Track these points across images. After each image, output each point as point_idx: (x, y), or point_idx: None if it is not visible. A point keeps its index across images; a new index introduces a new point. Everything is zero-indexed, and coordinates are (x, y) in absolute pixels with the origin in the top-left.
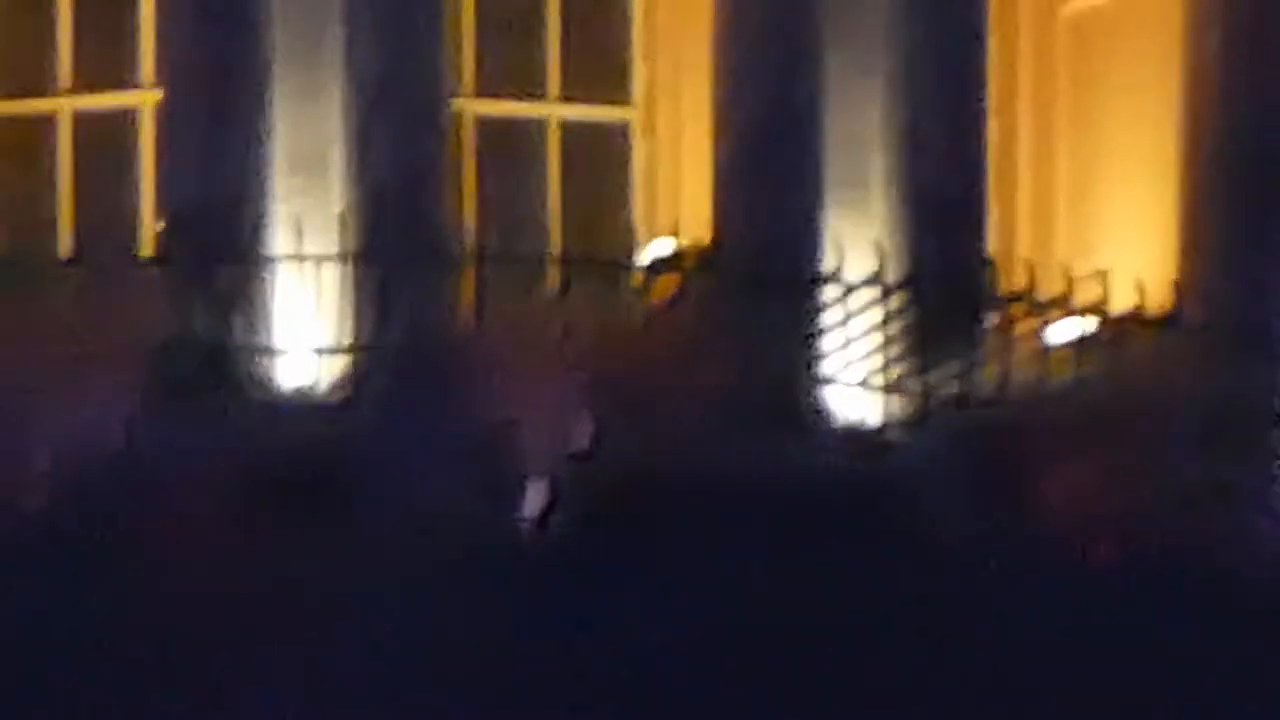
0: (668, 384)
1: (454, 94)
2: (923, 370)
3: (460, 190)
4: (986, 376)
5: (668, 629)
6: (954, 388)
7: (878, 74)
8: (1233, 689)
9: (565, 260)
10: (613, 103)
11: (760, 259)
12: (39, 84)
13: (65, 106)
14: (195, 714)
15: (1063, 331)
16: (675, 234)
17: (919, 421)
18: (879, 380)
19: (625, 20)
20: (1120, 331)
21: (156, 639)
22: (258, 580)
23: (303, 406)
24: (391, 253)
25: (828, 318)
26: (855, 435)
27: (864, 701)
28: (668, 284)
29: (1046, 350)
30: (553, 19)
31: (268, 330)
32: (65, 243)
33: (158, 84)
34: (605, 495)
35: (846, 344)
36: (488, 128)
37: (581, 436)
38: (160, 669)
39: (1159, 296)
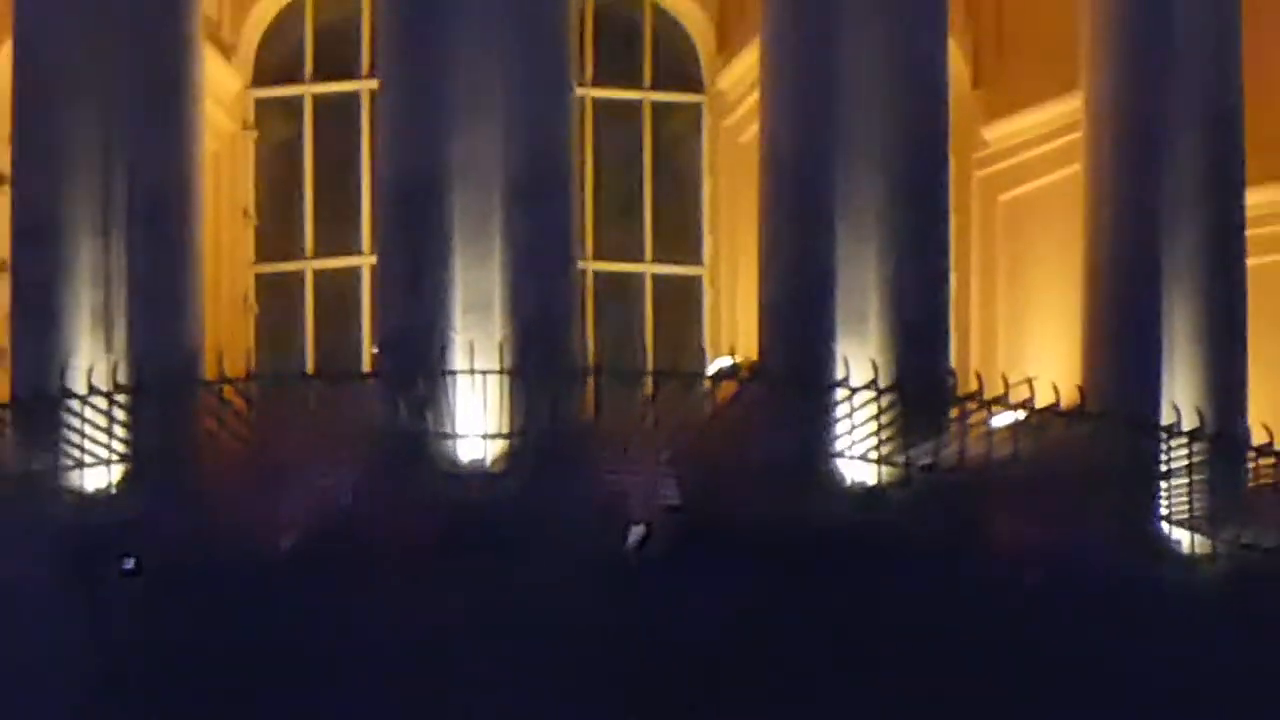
0: (728, 458)
1: (580, 257)
2: (905, 448)
3: (583, 324)
4: (949, 452)
5: (727, 619)
6: (926, 459)
7: (873, 242)
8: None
9: (656, 373)
10: (688, 263)
11: (792, 371)
12: (291, 250)
13: (309, 266)
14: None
15: (1001, 420)
16: (733, 353)
17: (903, 483)
18: (874, 454)
19: (697, 206)
20: (1042, 420)
21: (376, 642)
22: (446, 595)
23: (475, 475)
24: (535, 369)
25: (839, 411)
26: (858, 493)
27: (851, 690)
28: (728, 388)
29: (990, 433)
30: (648, 205)
31: (450, 422)
32: (310, 361)
33: (373, 250)
34: (685, 533)
35: (852, 429)
36: (603, 280)
37: (670, 495)
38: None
39: (1069, 396)
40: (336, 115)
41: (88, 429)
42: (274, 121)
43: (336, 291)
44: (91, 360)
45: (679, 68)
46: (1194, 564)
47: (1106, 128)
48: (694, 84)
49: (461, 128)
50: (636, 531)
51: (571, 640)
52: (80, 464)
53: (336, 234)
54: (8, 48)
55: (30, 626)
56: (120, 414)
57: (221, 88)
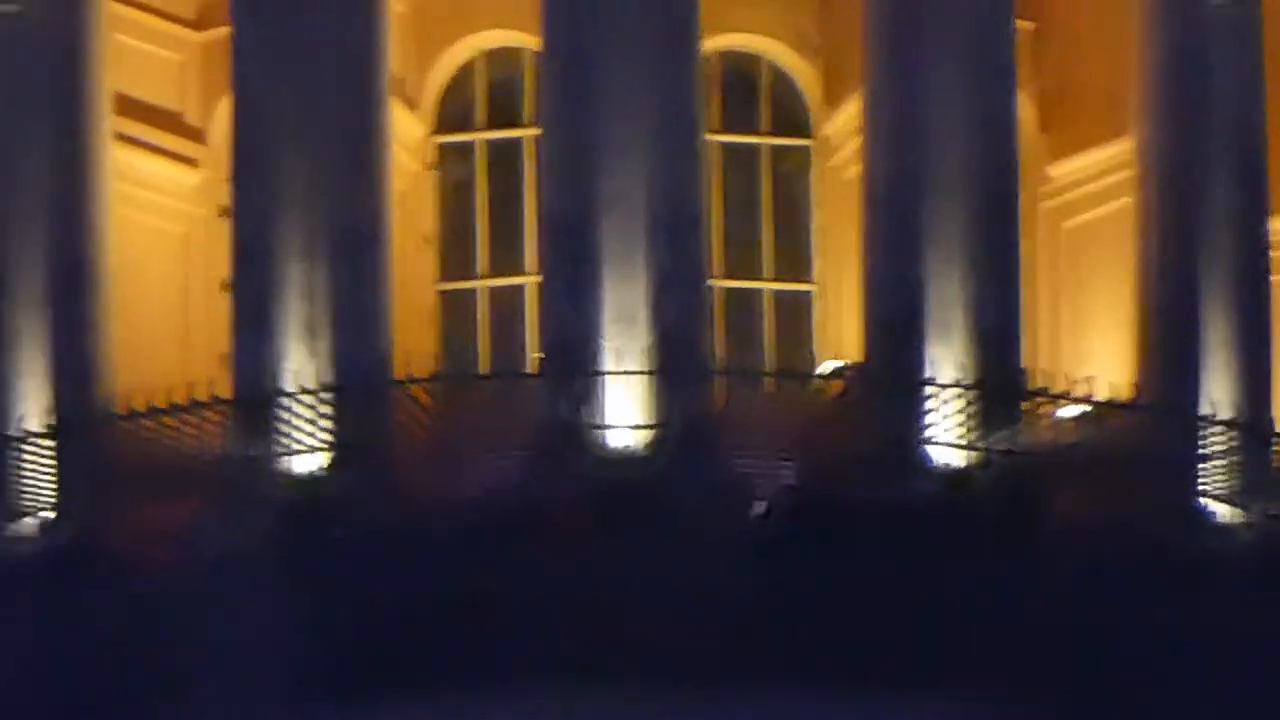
0: (835, 445)
1: (710, 276)
2: (985, 436)
3: (713, 333)
4: (1022, 439)
5: (836, 584)
6: (1003, 445)
7: (956, 263)
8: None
9: (775, 373)
10: (801, 281)
11: (889, 371)
12: (466, 271)
13: (482, 285)
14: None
15: (1066, 412)
16: (839, 357)
17: (983, 466)
18: (959, 441)
19: (808, 233)
20: (1100, 412)
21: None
22: (598, 560)
23: (622, 460)
24: (673, 370)
25: (929, 405)
26: (945, 474)
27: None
28: (835, 386)
29: (1057, 423)
30: (766, 232)
31: (601, 415)
32: (483, 364)
33: (537, 270)
34: (799, 509)
35: (940, 421)
36: (729, 296)
37: (787, 476)
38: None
39: (1123, 391)
40: (504, 157)
41: (297, 422)
42: (451, 163)
43: (505, 305)
44: (299, 364)
45: (791, 116)
46: (1228, 533)
47: (1153, 166)
48: (804, 130)
49: (610, 168)
50: (759, 507)
51: (702, 601)
52: (291, 452)
53: (505, 257)
54: (229, 102)
55: (250, 590)
56: (324, 409)
57: (408, 135)
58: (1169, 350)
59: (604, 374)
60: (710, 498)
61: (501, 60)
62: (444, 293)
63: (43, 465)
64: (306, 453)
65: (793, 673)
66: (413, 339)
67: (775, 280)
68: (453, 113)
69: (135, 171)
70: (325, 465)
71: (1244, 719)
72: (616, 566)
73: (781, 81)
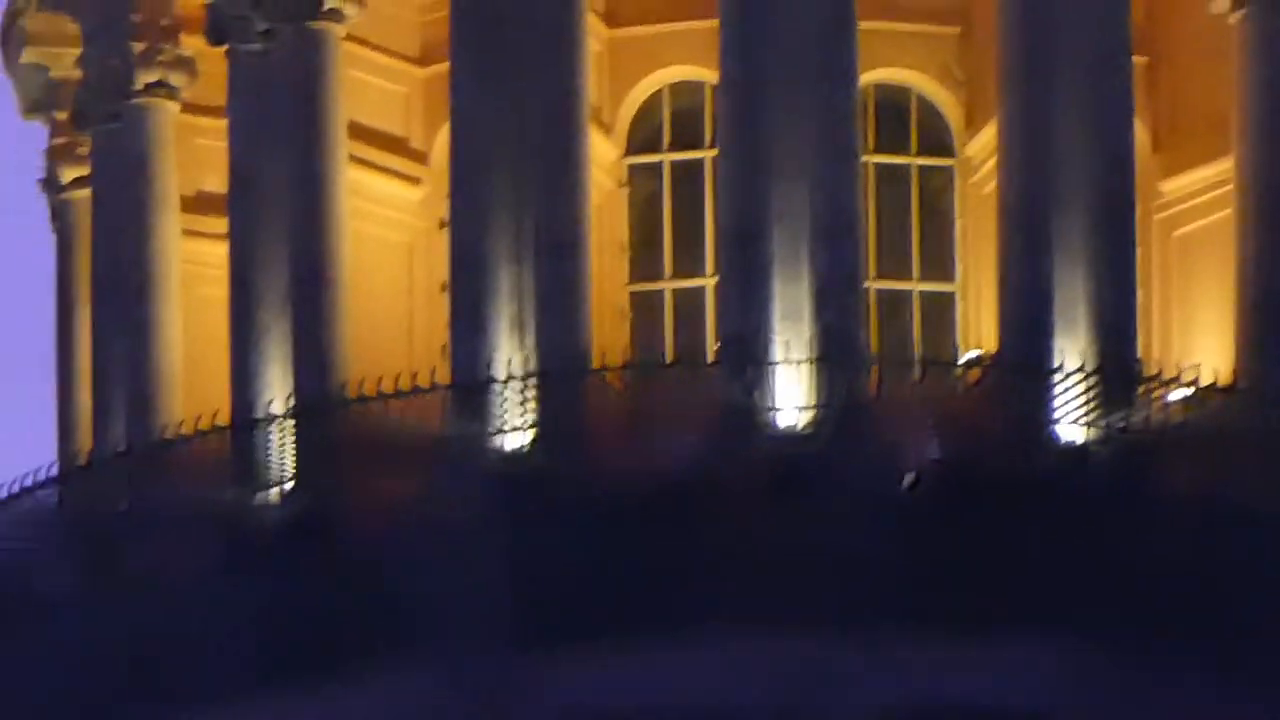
0: (975, 425)
1: (865, 278)
2: (1107, 415)
3: (868, 327)
4: (1138, 419)
5: (975, 547)
6: (1124, 423)
7: (1080, 266)
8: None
9: (923, 362)
10: (945, 281)
11: (1021, 360)
12: (654, 273)
13: (668, 286)
14: None
15: (1176, 395)
16: (979, 347)
17: (1104, 443)
18: (1085, 420)
19: (951, 241)
20: (1205, 394)
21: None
22: (769, 526)
23: (790, 438)
24: (834, 358)
25: (1056, 390)
26: (1071, 450)
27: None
28: (975, 374)
29: (1168, 405)
30: (915, 240)
31: (772, 399)
32: (669, 354)
33: (714, 273)
34: (944, 480)
35: (1066, 403)
36: (882, 295)
37: (932, 452)
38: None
39: (1225, 376)
40: (687, 176)
41: (506, 405)
42: (641, 181)
43: (688, 304)
44: (509, 355)
45: (936, 140)
46: None
47: (1250, 183)
48: (948, 151)
49: (778, 185)
50: (909, 478)
51: (859, 563)
52: (502, 431)
53: (687, 262)
54: (448, 128)
55: (464, 553)
56: (530, 395)
57: (603, 156)
58: (1264, 341)
59: (774, 363)
60: (865, 471)
61: (684, 91)
62: (635, 293)
63: (285, 443)
64: (515, 431)
65: (934, 620)
66: (607, 333)
67: (922, 281)
68: (642, 137)
69: (366, 189)
70: (529, 442)
71: None
72: (785, 531)
73: (927, 109)
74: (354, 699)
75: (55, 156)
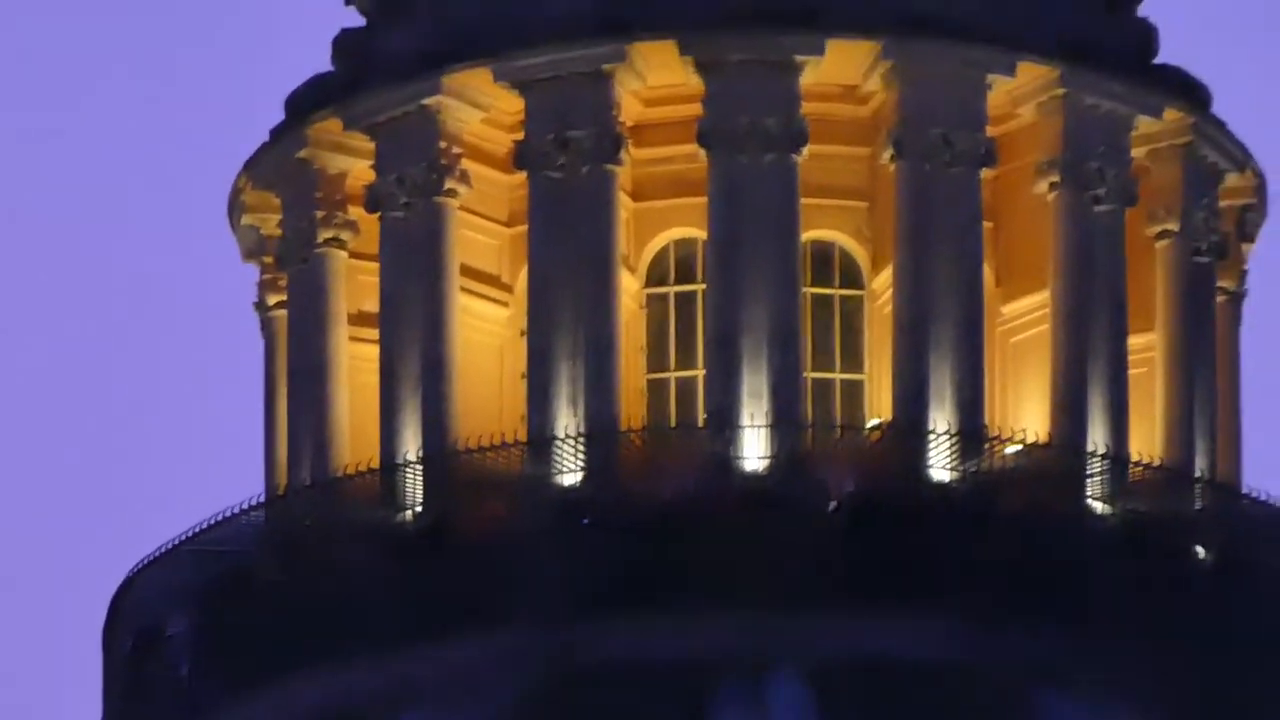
0: (877, 469)
1: (803, 370)
2: (964, 463)
3: (806, 402)
4: (986, 464)
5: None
6: (975, 468)
7: (948, 361)
8: None
9: (842, 427)
10: (856, 372)
11: (908, 427)
12: (663, 366)
13: (672, 375)
14: None
15: (1010, 449)
16: (879, 417)
17: (964, 480)
18: (949, 466)
19: (861, 345)
20: (1030, 449)
21: None
22: None
23: (754, 477)
24: (782, 425)
25: (933, 446)
26: (942, 486)
27: None
28: (876, 435)
29: (1005, 456)
30: (837, 342)
31: (743, 450)
32: (673, 420)
33: (703, 367)
34: (856, 505)
35: (941, 454)
36: (814, 383)
37: (849, 487)
38: None
39: (1043, 437)
40: (686, 302)
41: (564, 456)
42: (655, 305)
43: (685, 388)
44: (566, 421)
45: (852, 277)
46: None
47: (1060, 307)
48: (860, 285)
49: (746, 309)
50: (833, 504)
51: (803, 559)
52: (561, 472)
53: (686, 359)
54: (525, 269)
55: (537, 555)
56: (580, 449)
57: (630, 288)
58: (1070, 412)
59: (742, 427)
60: (805, 499)
61: (685, 245)
62: (650, 380)
63: (416, 481)
64: (569, 473)
65: (857, 597)
66: (632, 407)
67: (842, 373)
68: (656, 275)
69: (472, 309)
70: (580, 481)
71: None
72: (752, 539)
73: (846, 257)
74: (468, 650)
75: (263, 288)
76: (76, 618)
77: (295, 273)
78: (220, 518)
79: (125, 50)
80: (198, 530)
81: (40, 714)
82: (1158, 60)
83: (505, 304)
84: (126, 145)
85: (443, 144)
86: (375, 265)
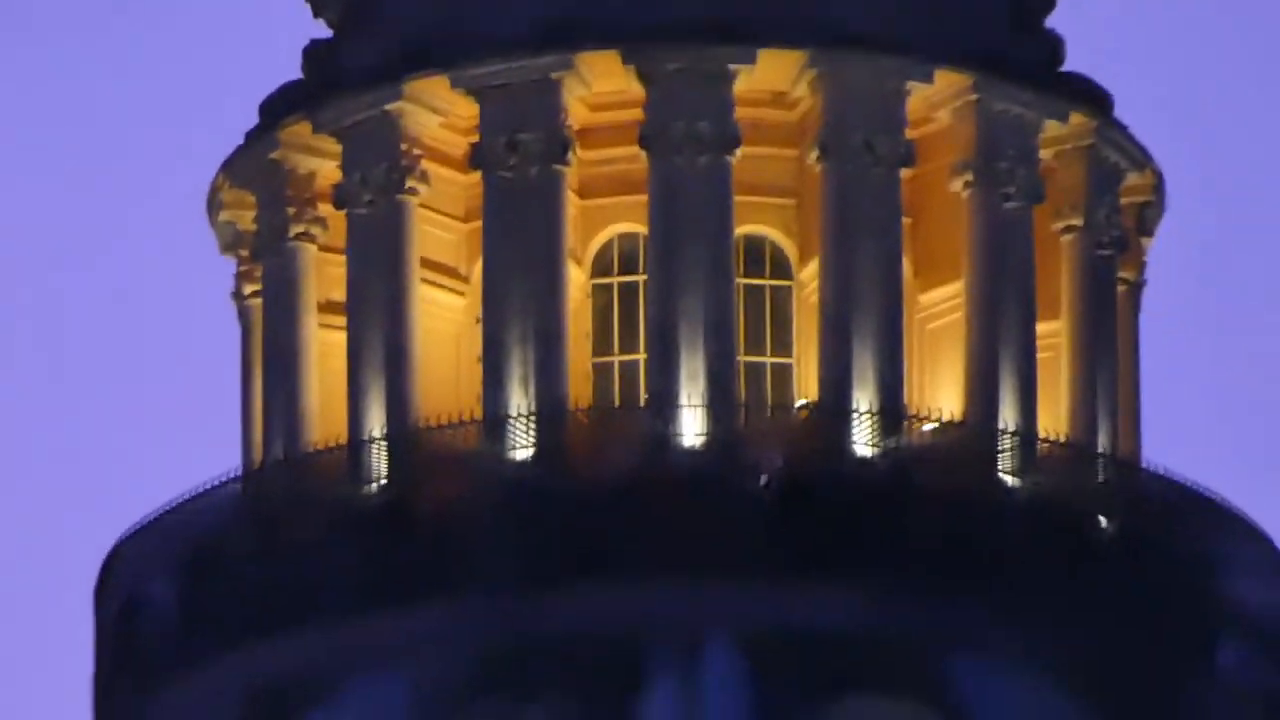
0: (805, 446)
1: (736, 354)
2: (885, 439)
3: (739, 385)
4: (905, 441)
5: None
6: (895, 444)
7: (869, 347)
8: None
9: (772, 407)
10: (786, 356)
11: (834, 407)
12: (608, 351)
13: (616, 359)
14: None
15: (927, 427)
16: (807, 399)
17: (885, 456)
18: (871, 443)
19: (790, 331)
20: (945, 427)
21: None
22: None
23: (691, 453)
24: (717, 405)
25: (856, 424)
26: (865, 460)
27: None
28: (804, 415)
29: (922, 433)
30: (768, 329)
31: (681, 429)
32: (617, 401)
33: (645, 351)
34: (785, 479)
35: (863, 431)
36: (747, 366)
37: (779, 462)
38: None
39: (958, 416)
40: (629, 291)
41: (517, 434)
42: (600, 294)
43: (628, 371)
44: (518, 401)
45: (782, 268)
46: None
47: (973, 296)
48: (789, 276)
49: (684, 298)
50: (764, 479)
51: (735, 531)
52: (514, 449)
53: (629, 344)
54: (480, 262)
55: (490, 526)
56: (531, 427)
57: (577, 279)
58: (981, 394)
59: (681, 407)
60: (737, 474)
61: (628, 239)
62: (596, 364)
63: (380, 456)
64: (521, 450)
65: (785, 568)
66: (579, 389)
67: (772, 356)
68: (600, 267)
69: (431, 298)
70: (531, 457)
71: None
72: (689, 510)
73: (776, 250)
74: (425, 617)
75: (240, 279)
76: (70, 583)
77: (269, 265)
78: (200, 491)
79: (114, 59)
80: (179, 502)
81: (37, 674)
82: (1065, 68)
83: (462, 294)
84: (114, 147)
85: (404, 146)
86: (343, 258)
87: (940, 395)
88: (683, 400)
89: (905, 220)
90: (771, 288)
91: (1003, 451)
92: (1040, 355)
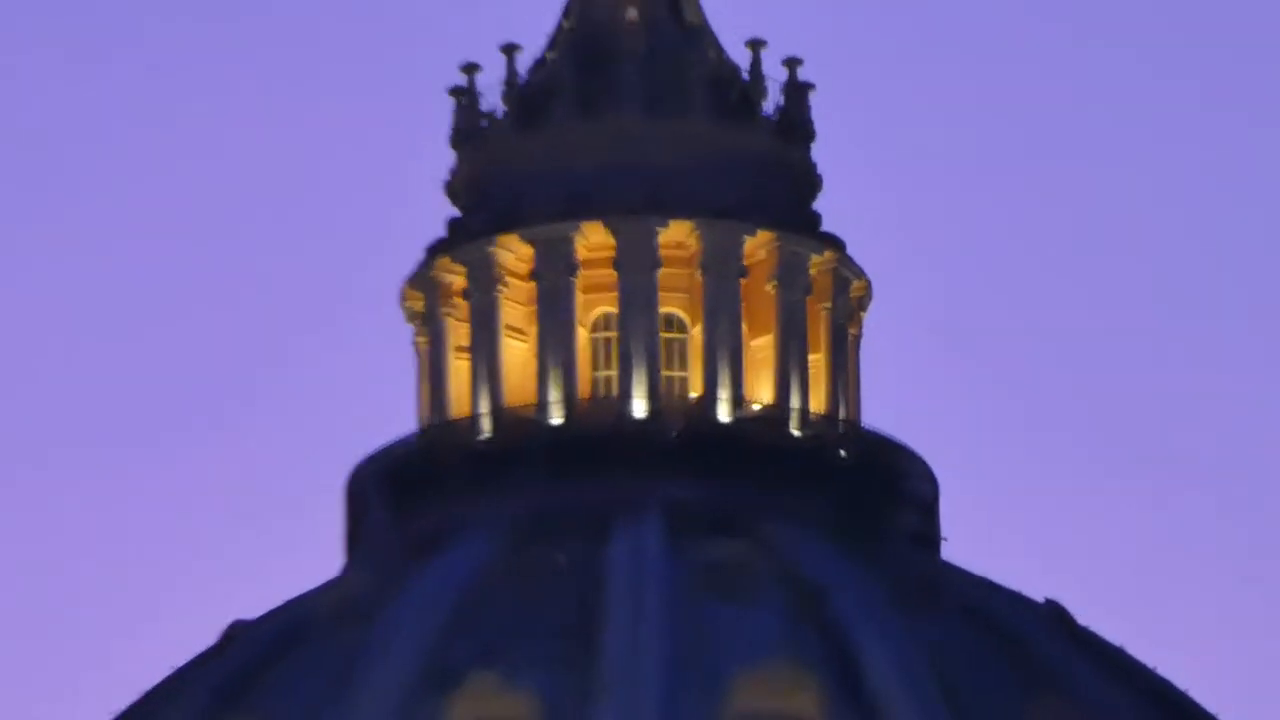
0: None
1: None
2: None
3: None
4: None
5: None
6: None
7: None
8: None
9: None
10: None
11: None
12: None
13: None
14: None
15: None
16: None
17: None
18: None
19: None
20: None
21: None
22: None
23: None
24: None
25: None
26: None
27: None
28: None
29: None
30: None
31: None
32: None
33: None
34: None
35: None
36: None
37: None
38: None
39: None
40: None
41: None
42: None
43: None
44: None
45: None
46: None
47: None
48: None
49: None
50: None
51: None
52: None
53: None
54: None
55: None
56: None
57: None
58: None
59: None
60: None
61: (609, 313)
62: (593, 376)
63: None
64: None
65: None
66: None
67: (676, 372)
68: (596, 328)
69: (508, 343)
70: None
71: None
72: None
73: (679, 317)
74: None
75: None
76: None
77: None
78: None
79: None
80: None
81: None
82: (824, 228)
83: (526, 341)
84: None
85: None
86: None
87: (760, 391)
88: (635, 394)
89: (741, 304)
90: (677, 339)
91: (790, 419)
92: (811, 368)
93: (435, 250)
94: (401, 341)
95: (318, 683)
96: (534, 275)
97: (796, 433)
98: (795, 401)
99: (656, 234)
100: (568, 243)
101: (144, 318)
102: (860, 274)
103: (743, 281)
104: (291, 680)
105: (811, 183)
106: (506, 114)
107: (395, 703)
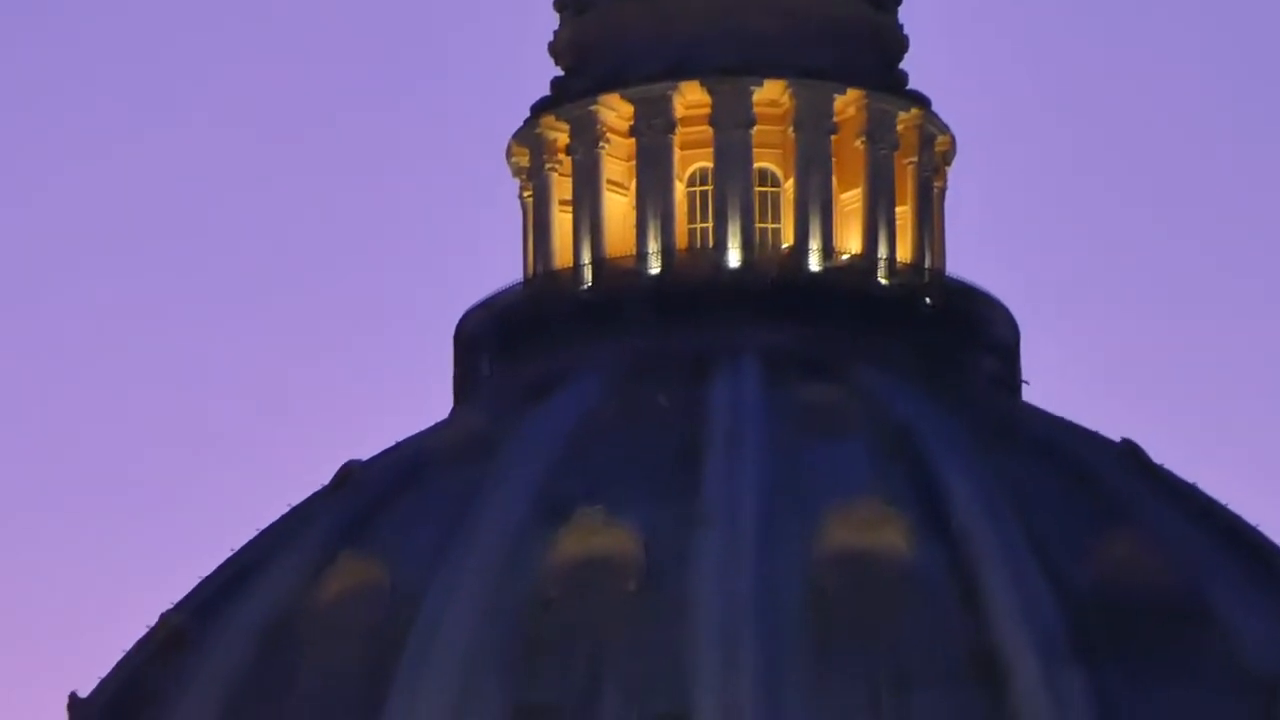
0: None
1: None
2: None
3: None
4: None
5: None
6: None
7: None
8: None
9: None
10: None
11: None
12: None
13: None
14: None
15: None
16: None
17: None
18: None
19: None
20: None
21: None
22: None
23: None
24: None
25: None
26: None
27: None
28: None
29: None
30: None
31: None
32: None
33: None
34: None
35: None
36: None
37: None
38: None
39: None
40: (703, 195)
41: None
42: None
43: None
44: None
45: None
46: None
47: None
48: None
49: None
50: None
51: None
52: None
53: None
54: None
55: None
56: None
57: None
58: None
59: None
60: None
61: (704, 168)
62: (689, 228)
63: None
64: None
65: None
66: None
67: (770, 223)
68: (691, 182)
69: (610, 197)
70: None
71: None
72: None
73: (771, 172)
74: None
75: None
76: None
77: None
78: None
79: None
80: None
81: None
82: (910, 86)
83: (625, 195)
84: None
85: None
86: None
87: (849, 242)
88: (730, 245)
89: (832, 159)
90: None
91: (878, 268)
92: (898, 220)
93: (540, 108)
94: (508, 195)
95: (434, 520)
96: (634, 132)
97: (884, 281)
98: (883, 251)
99: (751, 93)
100: (667, 101)
101: (269, 166)
102: (945, 129)
103: (833, 138)
104: (408, 517)
105: (899, 43)
106: None
107: (510, 538)
